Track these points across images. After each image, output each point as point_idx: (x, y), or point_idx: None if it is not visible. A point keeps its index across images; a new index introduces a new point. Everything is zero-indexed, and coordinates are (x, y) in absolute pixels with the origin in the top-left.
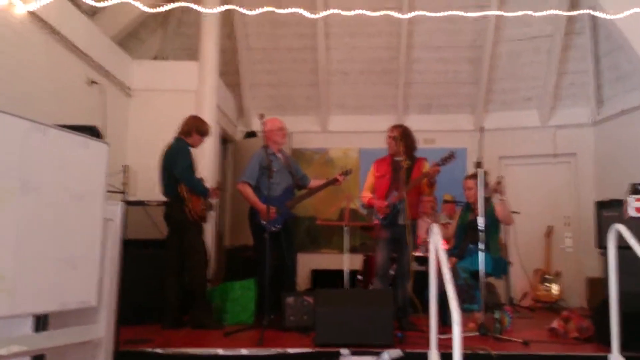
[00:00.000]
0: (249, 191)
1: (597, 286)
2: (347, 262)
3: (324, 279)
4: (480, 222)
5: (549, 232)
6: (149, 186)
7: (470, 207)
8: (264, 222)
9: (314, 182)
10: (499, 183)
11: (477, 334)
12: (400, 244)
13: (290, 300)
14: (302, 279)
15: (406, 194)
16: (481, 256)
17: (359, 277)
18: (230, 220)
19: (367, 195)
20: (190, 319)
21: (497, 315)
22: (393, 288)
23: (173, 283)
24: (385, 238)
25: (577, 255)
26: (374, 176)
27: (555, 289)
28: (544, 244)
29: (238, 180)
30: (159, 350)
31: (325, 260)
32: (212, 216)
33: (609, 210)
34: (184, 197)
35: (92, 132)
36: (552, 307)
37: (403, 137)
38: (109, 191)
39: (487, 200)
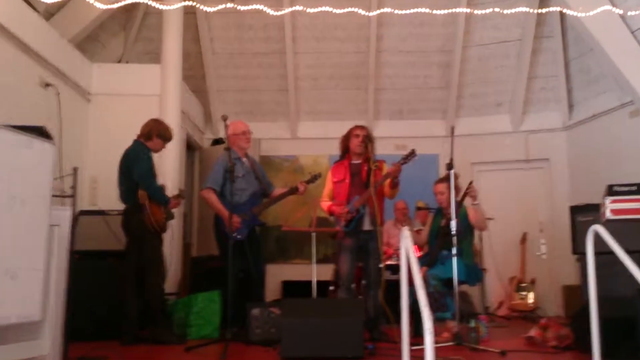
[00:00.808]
0: (213, 198)
1: (573, 294)
2: (315, 271)
3: (295, 290)
4: (453, 225)
5: (524, 239)
6: (110, 195)
7: (442, 212)
8: (229, 231)
9: (277, 191)
10: (469, 187)
11: (452, 343)
12: (367, 251)
13: (255, 312)
14: (272, 291)
15: (370, 197)
16: (454, 262)
17: (331, 287)
18: (198, 229)
19: (326, 202)
20: (149, 335)
21: (472, 324)
22: (363, 298)
23: (132, 296)
24: (349, 246)
25: (552, 262)
26: (332, 182)
27: (530, 297)
28: (518, 250)
29: (202, 187)
30: None
31: (296, 271)
32: (178, 226)
33: (584, 214)
34: (144, 204)
35: (40, 132)
36: (528, 316)
37: (370, 138)
38: (57, 196)
39: (459, 204)
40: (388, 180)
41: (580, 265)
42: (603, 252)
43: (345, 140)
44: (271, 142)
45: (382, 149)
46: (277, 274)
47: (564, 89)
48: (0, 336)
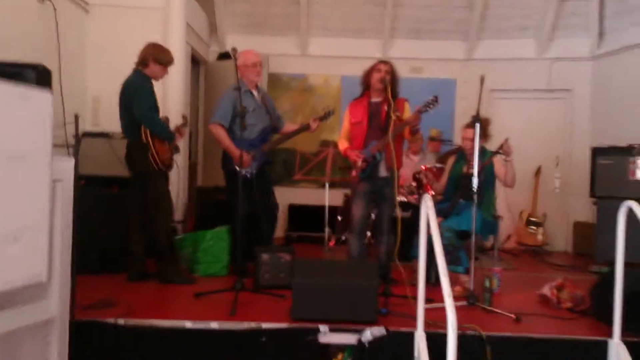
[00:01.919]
0: (222, 134)
1: (584, 231)
2: (327, 213)
3: (302, 215)
4: (475, 182)
5: (538, 172)
6: (114, 116)
7: (464, 158)
8: (238, 168)
9: (287, 127)
10: (505, 143)
11: (464, 303)
12: (381, 197)
13: (265, 257)
14: (280, 214)
15: (387, 143)
16: (473, 215)
17: (339, 217)
18: (204, 147)
19: (343, 144)
20: (158, 274)
21: (487, 283)
22: (375, 243)
23: (137, 233)
24: (364, 191)
25: (564, 198)
26: (349, 122)
27: (540, 232)
28: (531, 184)
29: (210, 121)
30: (120, 322)
31: (303, 194)
32: (183, 148)
33: (605, 157)
34: (147, 141)
35: (38, 73)
36: (536, 250)
37: (392, 76)
38: (57, 145)
39: (484, 153)
40: (407, 127)
41: (598, 210)
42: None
43: (367, 75)
44: (280, 59)
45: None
46: (284, 198)
47: (596, 15)
48: (6, 300)
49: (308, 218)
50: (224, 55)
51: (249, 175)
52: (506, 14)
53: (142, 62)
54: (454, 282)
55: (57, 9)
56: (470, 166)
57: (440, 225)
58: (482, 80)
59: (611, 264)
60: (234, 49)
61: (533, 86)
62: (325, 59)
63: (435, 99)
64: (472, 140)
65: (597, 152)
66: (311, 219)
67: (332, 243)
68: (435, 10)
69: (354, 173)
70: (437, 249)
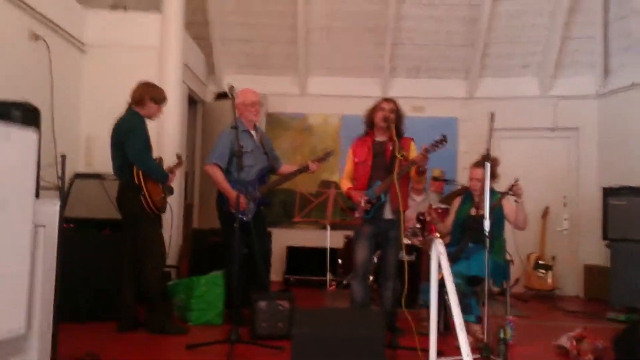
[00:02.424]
0: (218, 175)
1: (596, 275)
2: (329, 256)
3: (301, 258)
4: (487, 225)
5: (545, 213)
6: (107, 157)
7: (471, 199)
8: (234, 211)
9: (285, 168)
10: (515, 184)
11: (477, 357)
12: (386, 240)
13: (262, 304)
14: (277, 256)
15: (392, 184)
16: (485, 260)
17: (339, 260)
18: (200, 188)
19: (346, 184)
20: (148, 323)
21: (501, 334)
22: (379, 289)
23: (128, 281)
24: (368, 233)
25: (574, 240)
26: (353, 162)
27: (549, 276)
28: (538, 225)
29: (207, 162)
30: None
31: (301, 236)
32: (178, 188)
33: (617, 198)
34: (139, 183)
35: (24, 111)
36: (546, 295)
37: (397, 114)
38: (46, 187)
39: (493, 194)
40: (414, 167)
41: (612, 253)
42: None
43: (370, 113)
44: (279, 98)
45: None
46: (282, 239)
47: (601, 53)
48: None
49: (307, 261)
50: (221, 95)
51: (245, 218)
52: (508, 51)
53: (139, 101)
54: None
55: (50, 47)
56: (479, 207)
57: None
58: (492, 117)
59: (630, 310)
60: (232, 87)
61: (537, 125)
62: (325, 98)
63: (444, 138)
64: (481, 180)
65: (609, 193)
66: (310, 262)
67: (332, 287)
68: (435, 49)
69: (356, 214)
70: (452, 299)
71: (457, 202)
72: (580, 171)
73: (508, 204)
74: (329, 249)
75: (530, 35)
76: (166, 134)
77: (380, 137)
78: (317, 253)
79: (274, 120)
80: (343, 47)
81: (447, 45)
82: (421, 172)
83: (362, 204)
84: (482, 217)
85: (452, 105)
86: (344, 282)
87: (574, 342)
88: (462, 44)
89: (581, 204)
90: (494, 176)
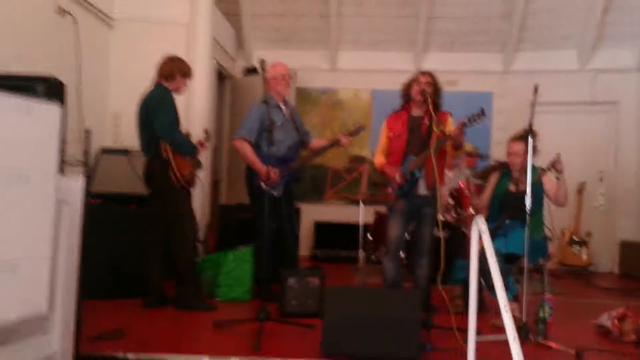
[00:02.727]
0: (247, 149)
1: (633, 250)
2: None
3: (329, 233)
4: (528, 203)
5: (581, 189)
6: (134, 133)
7: (509, 175)
8: (265, 186)
9: (316, 142)
10: (556, 159)
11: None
12: (420, 217)
13: (292, 281)
14: (305, 231)
15: (428, 159)
16: (527, 238)
17: (369, 236)
18: (228, 165)
19: (380, 159)
20: (176, 298)
21: (541, 313)
22: (413, 266)
23: (156, 257)
24: (401, 209)
25: (609, 216)
26: (387, 136)
27: (584, 252)
28: (574, 201)
29: (235, 136)
30: (130, 356)
31: (330, 211)
32: (206, 166)
33: None
34: (168, 158)
35: (49, 85)
36: (580, 271)
37: (434, 88)
38: (72, 163)
39: (533, 169)
40: (450, 142)
41: None
42: None
43: (407, 87)
44: (308, 73)
45: None
46: (310, 214)
47: None
48: (3, 336)
49: (335, 236)
50: (250, 71)
51: (275, 193)
52: (546, 23)
53: (169, 75)
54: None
55: (79, 22)
56: (518, 183)
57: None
58: (535, 90)
59: None
60: (262, 61)
61: (576, 99)
62: (355, 73)
63: (482, 112)
64: (521, 155)
65: None
66: (338, 237)
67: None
68: (471, 21)
69: (390, 190)
70: (495, 278)
71: (494, 177)
72: (619, 145)
73: (548, 180)
74: (361, 225)
75: (569, 5)
76: (194, 110)
77: (416, 112)
78: (346, 228)
79: (303, 95)
80: (375, 20)
81: (483, 17)
82: (457, 147)
83: (397, 179)
84: (522, 193)
85: (487, 80)
86: (373, 257)
87: (616, 322)
88: (499, 16)
89: (619, 180)
90: (534, 151)
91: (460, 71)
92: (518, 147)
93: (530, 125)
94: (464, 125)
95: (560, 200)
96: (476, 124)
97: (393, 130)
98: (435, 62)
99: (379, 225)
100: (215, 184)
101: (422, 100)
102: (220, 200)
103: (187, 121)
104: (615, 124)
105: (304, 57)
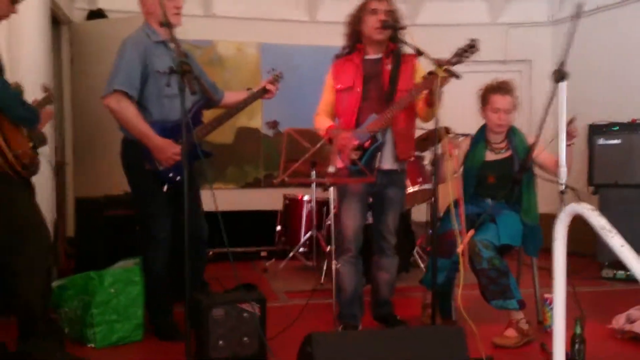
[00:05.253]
0: (130, 110)
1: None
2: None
3: (218, 225)
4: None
5: None
6: None
7: (486, 140)
8: (159, 167)
9: (230, 95)
10: (571, 122)
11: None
12: (382, 201)
13: (217, 312)
14: None
15: (394, 117)
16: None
17: (278, 227)
18: (74, 145)
19: (323, 121)
20: (20, 354)
21: (578, 328)
22: (370, 269)
23: None
24: (358, 192)
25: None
26: (333, 89)
27: None
28: None
29: (106, 91)
30: None
31: (221, 198)
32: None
33: (605, 136)
34: None
35: None
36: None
37: (394, 17)
38: None
39: (514, 133)
40: (424, 94)
41: (600, 199)
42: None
43: (355, 21)
44: None
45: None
46: None
47: None
48: None
49: (230, 229)
50: (95, 14)
51: (177, 178)
52: None
53: None
54: (506, 324)
55: None
56: (500, 149)
57: (473, 241)
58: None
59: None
60: None
61: (487, 57)
62: (237, 22)
63: (473, 45)
64: (508, 112)
65: (595, 131)
66: (234, 230)
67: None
68: None
69: (339, 164)
70: None
71: (464, 144)
72: (532, 109)
73: (543, 148)
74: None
75: None
76: (23, 63)
77: (372, 54)
78: (242, 217)
79: None
80: None
81: None
82: (432, 103)
83: (350, 149)
84: (507, 161)
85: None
86: (290, 255)
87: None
88: None
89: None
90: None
91: None
92: (505, 101)
93: (562, 65)
94: (450, 62)
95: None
96: (466, 59)
97: (341, 81)
98: (332, 11)
99: (288, 213)
100: (57, 170)
101: (381, 37)
102: (67, 192)
103: (13, 77)
104: (529, 85)
105: None
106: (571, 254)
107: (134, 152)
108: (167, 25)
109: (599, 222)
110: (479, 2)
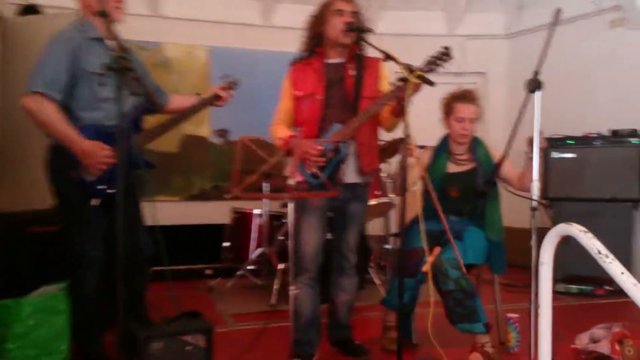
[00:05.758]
0: (51, 111)
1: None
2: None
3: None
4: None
5: None
6: None
7: (448, 151)
8: (87, 178)
9: (176, 100)
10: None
11: None
12: (344, 216)
13: (157, 347)
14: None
15: (358, 127)
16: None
17: (225, 244)
18: None
19: (282, 131)
20: None
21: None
22: (327, 287)
23: None
24: (318, 208)
25: None
26: (292, 95)
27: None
28: None
29: (27, 90)
30: None
31: (165, 211)
32: None
33: (560, 150)
34: None
35: None
36: None
37: (358, 19)
38: None
39: (478, 145)
40: (391, 103)
41: (554, 215)
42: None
43: (317, 22)
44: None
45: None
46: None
47: None
48: None
49: (170, 245)
50: (29, 9)
51: (107, 190)
52: None
53: None
54: (470, 347)
55: None
56: (462, 161)
57: (440, 259)
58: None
59: (581, 280)
60: None
61: (442, 68)
62: (187, 23)
63: (447, 53)
64: (472, 121)
65: (550, 144)
66: (175, 246)
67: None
68: None
69: (299, 178)
70: None
71: (425, 155)
72: (486, 123)
73: (509, 163)
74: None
75: None
76: None
77: (333, 58)
78: (185, 233)
79: None
80: None
81: None
82: (400, 110)
83: (314, 160)
84: (470, 173)
85: None
86: (238, 273)
87: (616, 347)
88: None
89: None
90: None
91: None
92: (470, 110)
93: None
94: (422, 69)
95: (527, 185)
96: (439, 68)
97: (300, 87)
98: (288, 17)
99: (239, 229)
100: None
101: (347, 40)
102: None
103: None
104: (484, 97)
105: None
106: (513, 265)
107: (61, 159)
108: (104, 15)
109: (593, 245)
110: (437, 12)
